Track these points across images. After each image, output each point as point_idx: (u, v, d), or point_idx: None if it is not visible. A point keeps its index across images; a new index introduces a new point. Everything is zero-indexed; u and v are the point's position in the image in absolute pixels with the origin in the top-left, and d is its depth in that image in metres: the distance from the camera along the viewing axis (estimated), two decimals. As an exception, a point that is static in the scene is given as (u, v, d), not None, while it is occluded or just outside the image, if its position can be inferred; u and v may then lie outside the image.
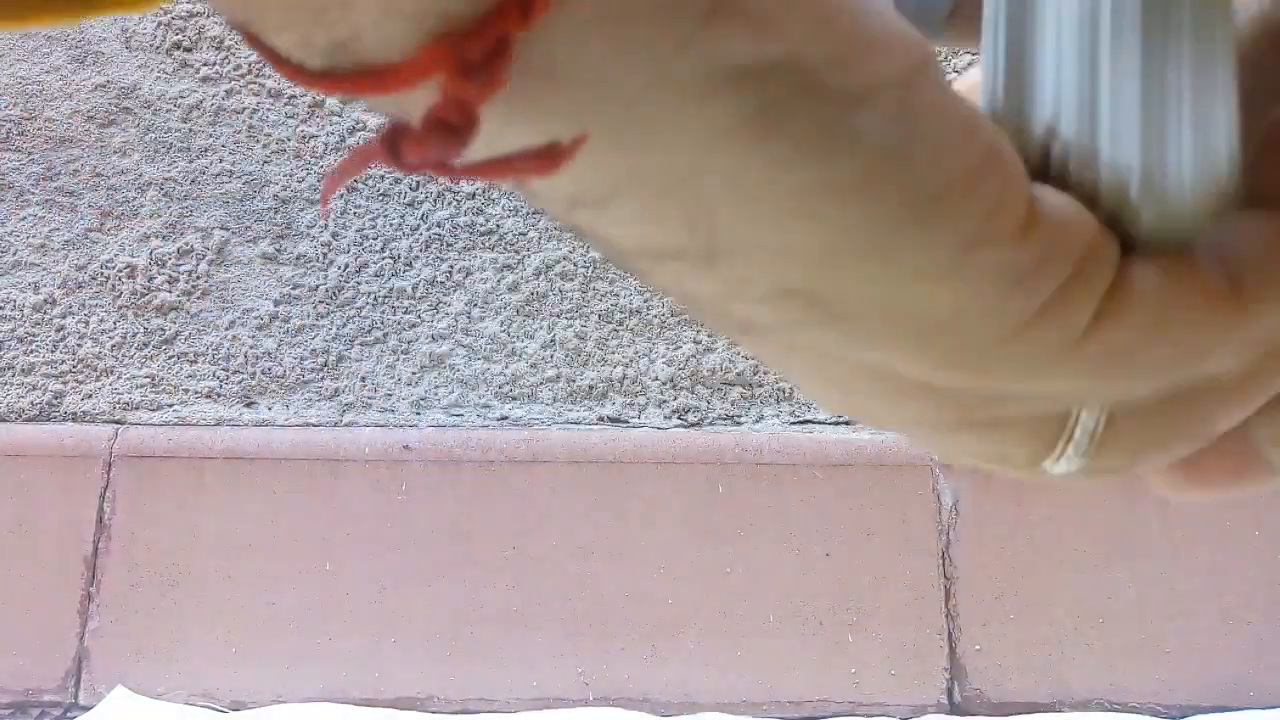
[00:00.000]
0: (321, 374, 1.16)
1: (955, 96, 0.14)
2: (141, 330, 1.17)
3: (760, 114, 0.13)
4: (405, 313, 1.17)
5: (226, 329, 1.17)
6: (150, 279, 1.18)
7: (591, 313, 1.16)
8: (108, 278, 1.18)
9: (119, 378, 1.16)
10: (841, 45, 0.13)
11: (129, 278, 1.18)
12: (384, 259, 1.18)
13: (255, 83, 1.22)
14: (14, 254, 1.19)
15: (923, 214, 0.14)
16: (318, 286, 1.18)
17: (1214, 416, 0.17)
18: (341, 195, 1.20)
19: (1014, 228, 0.14)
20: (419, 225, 1.19)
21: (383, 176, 1.20)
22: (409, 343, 1.16)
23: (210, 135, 1.22)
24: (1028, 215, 0.15)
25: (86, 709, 1.02)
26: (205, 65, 1.23)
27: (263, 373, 1.16)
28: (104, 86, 1.23)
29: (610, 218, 0.15)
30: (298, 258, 1.18)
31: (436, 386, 1.15)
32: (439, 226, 1.18)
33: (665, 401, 1.14)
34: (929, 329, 0.15)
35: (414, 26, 0.12)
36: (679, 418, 1.14)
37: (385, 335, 1.16)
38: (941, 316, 0.15)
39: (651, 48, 0.12)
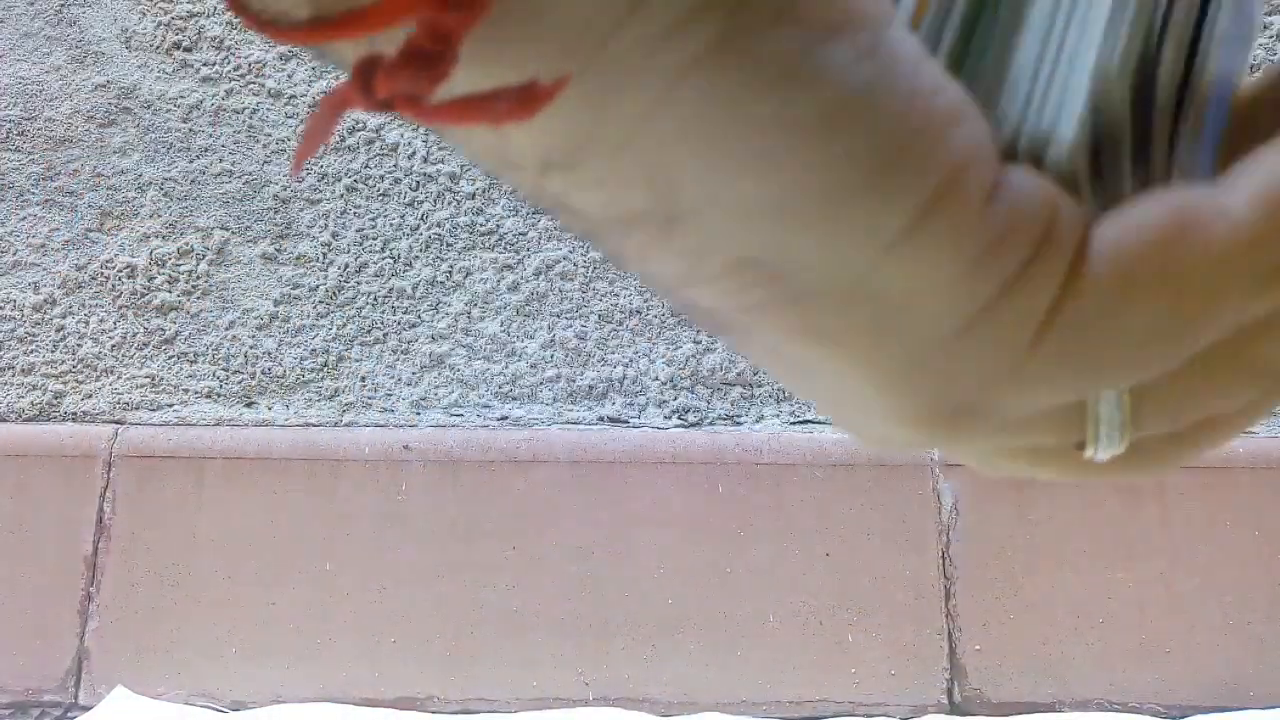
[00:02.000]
0: (321, 374, 1.16)
1: (924, 52, 0.14)
2: (141, 330, 1.17)
3: (728, 39, 0.13)
4: (405, 313, 1.17)
5: (226, 329, 1.17)
6: (150, 279, 1.18)
7: (591, 313, 1.16)
8: (108, 278, 1.18)
9: (119, 378, 1.16)
10: None
11: (129, 278, 1.18)
12: (384, 259, 1.18)
13: (255, 83, 1.22)
14: (14, 254, 1.19)
15: (883, 165, 0.13)
16: (318, 286, 1.18)
17: (1268, 352, 0.15)
18: (341, 195, 1.20)
19: (978, 195, 0.14)
20: (419, 225, 1.19)
21: (382, 176, 1.20)
22: (409, 343, 1.16)
23: (210, 135, 1.22)
24: (993, 185, 0.14)
25: (86, 709, 1.02)
26: (205, 65, 1.23)
27: (263, 373, 1.16)
28: (104, 86, 1.23)
29: (579, 180, 0.14)
30: (298, 258, 1.18)
31: (436, 386, 1.15)
32: (439, 226, 1.18)
33: (665, 401, 1.14)
34: (880, 318, 0.14)
35: None
36: (679, 418, 1.14)
37: (385, 335, 1.16)
38: (891, 301, 0.14)
39: None
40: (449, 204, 1.19)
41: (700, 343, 1.16)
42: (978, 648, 1.04)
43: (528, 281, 1.17)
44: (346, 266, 1.18)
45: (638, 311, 1.16)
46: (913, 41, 0.14)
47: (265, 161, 1.21)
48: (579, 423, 1.13)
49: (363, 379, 1.15)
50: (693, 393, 1.14)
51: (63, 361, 1.16)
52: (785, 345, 0.16)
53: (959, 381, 0.15)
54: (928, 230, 0.13)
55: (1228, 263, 0.14)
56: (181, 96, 1.22)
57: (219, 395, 1.15)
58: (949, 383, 0.15)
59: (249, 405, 1.15)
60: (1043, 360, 0.15)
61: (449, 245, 1.18)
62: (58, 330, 1.17)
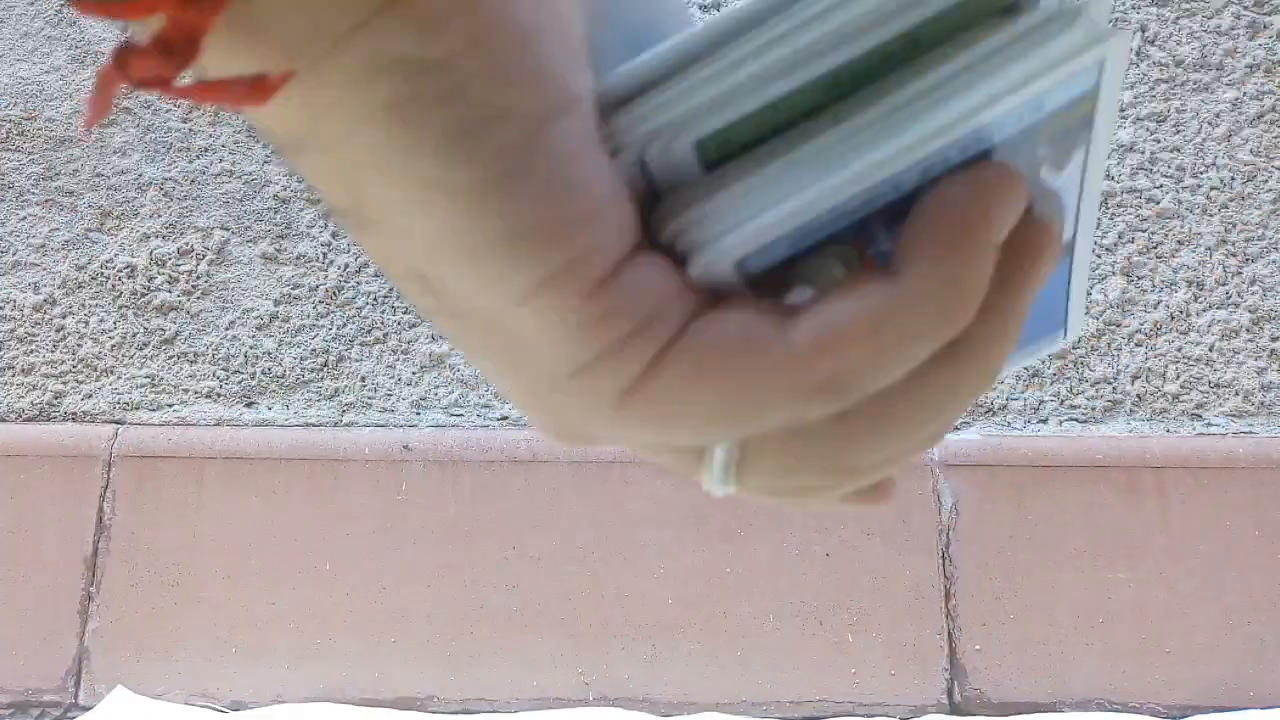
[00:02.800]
0: (321, 374, 1.16)
1: (593, 150, 0.16)
2: (141, 330, 1.17)
3: (407, 103, 0.15)
4: (405, 313, 1.17)
5: (226, 329, 1.17)
6: (150, 279, 1.18)
7: (591, 313, 1.16)
8: (108, 278, 1.18)
9: (119, 378, 1.16)
10: (492, 66, 0.15)
11: (129, 278, 1.18)
12: (384, 259, 1.18)
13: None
14: (14, 254, 1.19)
15: (512, 241, 0.15)
16: (318, 286, 1.18)
17: (843, 453, 0.18)
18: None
19: (588, 282, 0.16)
20: (419, 225, 1.19)
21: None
22: (409, 343, 1.16)
23: (210, 135, 1.22)
24: (609, 274, 0.16)
25: (86, 709, 1.02)
26: (205, 65, 1.23)
27: (263, 373, 1.16)
28: (104, 86, 1.23)
29: (306, 168, 0.16)
30: (298, 258, 1.18)
31: (436, 386, 1.15)
32: (439, 226, 1.19)
33: (665, 401, 1.14)
34: (513, 348, 0.17)
35: None
36: (679, 418, 1.14)
37: (385, 335, 1.16)
38: (521, 338, 0.17)
39: (332, 20, 0.14)
40: (449, 204, 1.19)
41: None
42: (978, 648, 1.04)
43: (528, 281, 1.17)
44: (346, 266, 1.18)
45: (638, 311, 1.16)
46: (580, 135, 0.16)
47: (265, 161, 1.21)
48: (579, 423, 1.14)
49: (363, 379, 1.15)
50: (693, 393, 1.14)
51: (63, 361, 1.16)
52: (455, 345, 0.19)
53: (566, 414, 0.18)
54: (544, 297, 0.16)
55: (775, 377, 0.17)
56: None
57: (219, 395, 1.15)
58: (559, 413, 0.18)
59: (249, 405, 1.15)
60: (630, 414, 0.17)
61: (449, 245, 1.18)
62: (58, 330, 1.17)
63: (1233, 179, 1.20)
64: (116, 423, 1.14)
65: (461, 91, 0.15)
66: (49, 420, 1.15)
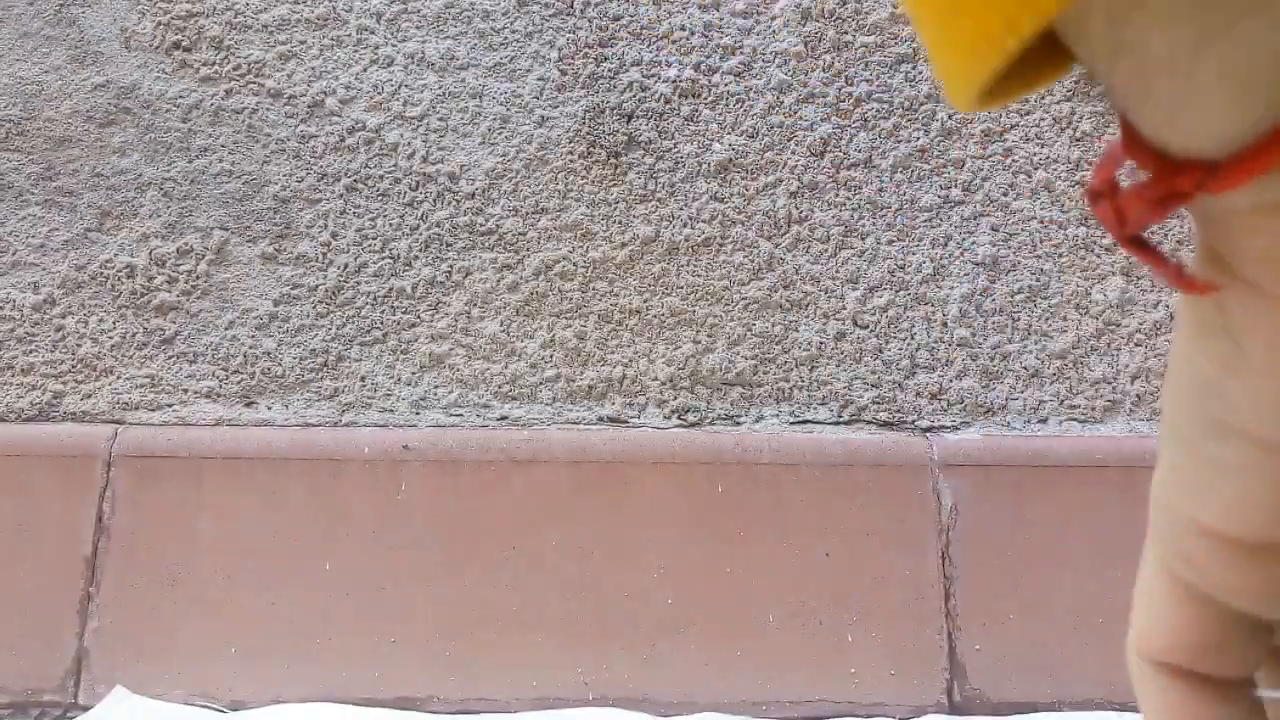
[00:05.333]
0: (321, 374, 1.15)
1: None
2: (141, 330, 1.17)
3: None
4: (405, 313, 1.17)
5: (226, 329, 1.17)
6: (150, 279, 1.18)
7: (591, 313, 1.16)
8: (107, 278, 1.18)
9: (119, 378, 1.16)
10: None
11: (129, 278, 1.18)
12: (384, 259, 1.18)
13: (255, 83, 1.22)
14: (14, 254, 1.19)
15: None
16: (317, 286, 1.18)
17: None
18: (341, 195, 1.20)
19: None
20: (419, 225, 1.19)
21: (382, 176, 1.20)
22: (409, 343, 1.16)
23: (210, 135, 1.21)
24: None
25: (86, 709, 1.02)
26: (205, 65, 1.23)
27: (262, 373, 1.16)
28: (104, 86, 1.23)
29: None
30: (297, 258, 1.18)
31: (436, 386, 1.15)
32: (439, 226, 1.18)
33: (665, 401, 1.14)
34: None
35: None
36: (679, 418, 1.14)
37: (385, 335, 1.16)
38: None
39: None
40: (449, 204, 1.19)
41: (700, 343, 1.16)
42: (978, 648, 1.04)
43: (527, 281, 1.17)
44: (346, 266, 1.18)
45: (637, 311, 1.16)
46: None
47: (265, 161, 1.21)
48: (578, 423, 1.13)
49: (362, 379, 1.15)
50: (692, 393, 1.14)
51: (62, 361, 1.16)
52: None
53: None
54: None
55: None
56: (181, 96, 1.22)
57: (219, 395, 1.15)
58: None
59: (249, 405, 1.15)
60: None
61: (449, 245, 1.18)
62: (57, 330, 1.17)
63: (1233, 179, 1.20)
64: (116, 423, 1.14)
65: None
66: (49, 420, 1.15)
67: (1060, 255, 1.18)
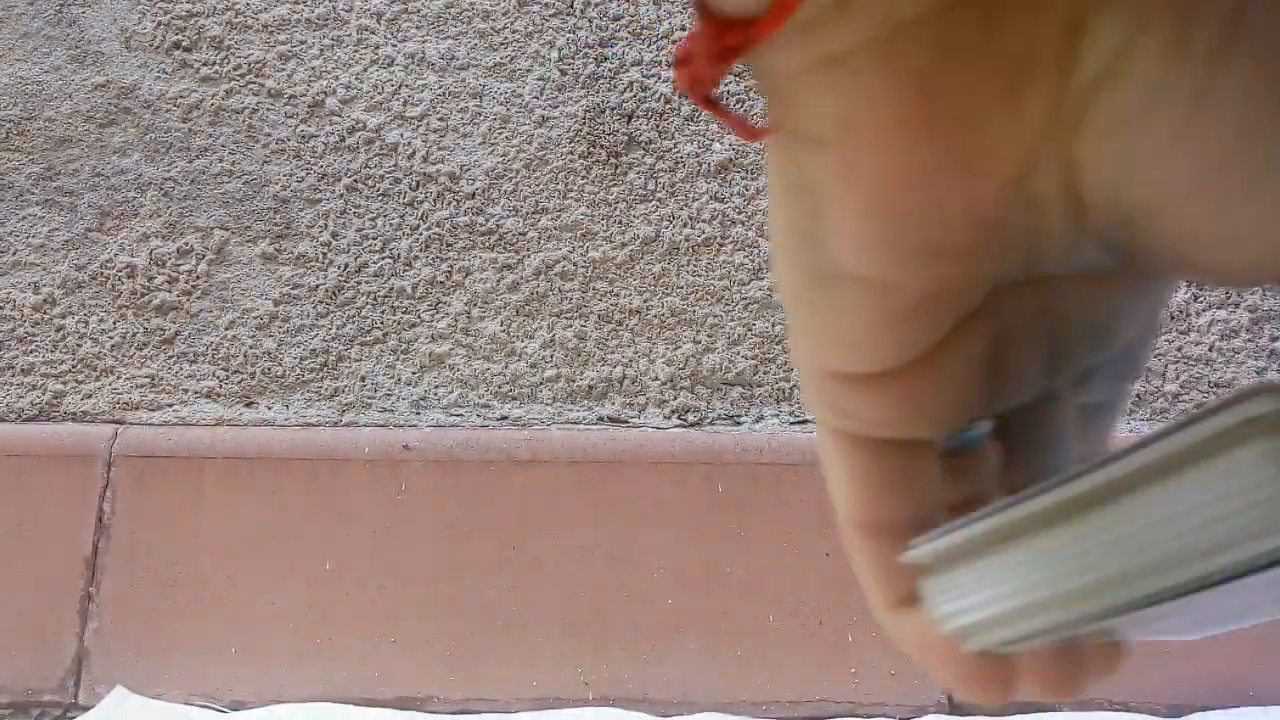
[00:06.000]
0: (321, 374, 1.15)
1: None
2: (141, 330, 1.17)
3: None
4: (405, 313, 1.17)
5: (226, 329, 1.17)
6: (150, 279, 1.18)
7: (591, 313, 1.16)
8: (108, 278, 1.18)
9: (119, 378, 1.16)
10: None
11: (129, 278, 1.18)
12: (384, 259, 1.18)
13: (255, 83, 1.22)
14: (14, 254, 1.19)
15: None
16: (318, 286, 1.18)
17: None
18: (341, 195, 1.20)
19: None
20: (419, 225, 1.19)
21: (382, 176, 1.20)
22: (409, 343, 1.16)
23: (210, 135, 1.22)
24: None
25: (86, 709, 1.02)
26: (205, 65, 1.23)
27: (263, 373, 1.16)
28: (104, 86, 1.23)
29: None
30: (298, 258, 1.18)
31: (436, 386, 1.15)
32: (439, 226, 1.18)
33: (665, 401, 1.14)
34: None
35: None
36: (679, 418, 1.14)
37: (385, 335, 1.16)
38: None
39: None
40: (449, 204, 1.19)
41: (700, 343, 1.16)
42: (978, 648, 1.04)
43: (528, 281, 1.17)
44: (346, 266, 1.18)
45: (637, 311, 1.16)
46: None
47: (265, 161, 1.21)
48: (579, 423, 1.13)
49: (363, 379, 1.15)
50: (692, 393, 1.14)
51: (62, 361, 1.16)
52: None
53: None
54: None
55: None
56: (181, 96, 1.22)
57: (219, 395, 1.15)
58: None
59: (249, 405, 1.15)
60: None
61: (449, 245, 1.18)
62: (57, 330, 1.17)
63: (1233, 179, 1.20)
64: (116, 423, 1.14)
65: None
66: (49, 420, 1.15)
67: (1060, 255, 1.18)
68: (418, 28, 1.22)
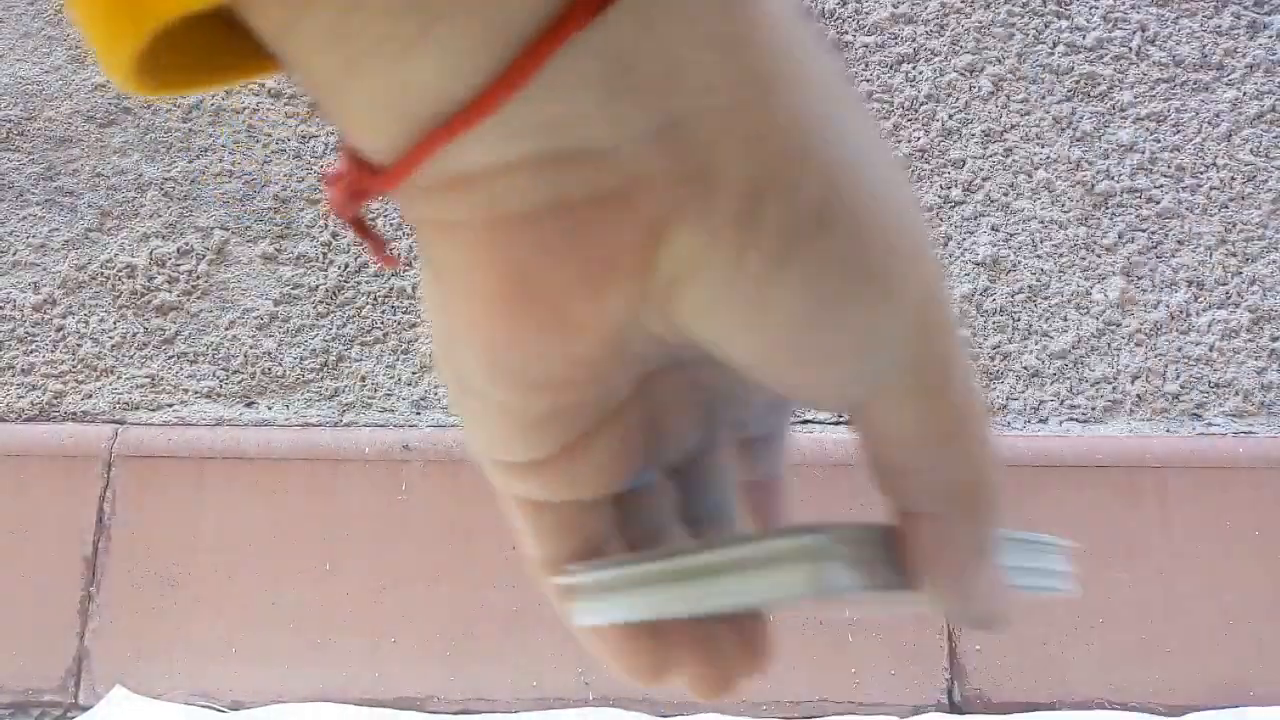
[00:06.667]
0: (321, 374, 1.15)
1: None
2: (141, 330, 1.17)
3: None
4: (405, 313, 1.17)
5: (226, 329, 1.17)
6: (150, 279, 1.18)
7: (591, 313, 1.16)
8: (108, 278, 1.18)
9: (119, 378, 1.16)
10: None
11: (129, 278, 1.18)
12: (384, 259, 1.18)
13: (255, 82, 1.22)
14: (14, 254, 1.19)
15: None
16: (318, 286, 1.18)
17: None
18: (341, 195, 1.20)
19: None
20: (419, 225, 1.19)
21: (383, 176, 1.20)
22: (409, 343, 1.16)
23: (210, 135, 1.22)
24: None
25: (86, 709, 1.02)
26: (205, 65, 1.23)
27: (263, 373, 1.16)
28: (104, 86, 1.23)
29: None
30: (298, 258, 1.18)
31: (436, 386, 1.15)
32: (439, 226, 1.19)
33: (665, 401, 1.14)
34: None
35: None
36: (679, 418, 1.14)
37: (385, 335, 1.16)
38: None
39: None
40: (449, 204, 1.19)
41: (700, 343, 1.16)
42: (978, 648, 1.04)
43: (528, 281, 1.17)
44: (346, 266, 1.18)
45: (638, 311, 1.16)
46: None
47: (265, 161, 1.21)
48: (579, 423, 1.13)
49: (363, 379, 1.15)
50: (693, 393, 1.14)
51: (63, 361, 1.16)
52: None
53: None
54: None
55: None
56: (181, 96, 1.22)
57: (219, 395, 1.15)
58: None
59: (249, 405, 1.15)
60: None
61: (449, 245, 1.18)
62: (58, 330, 1.17)
63: (1233, 179, 1.20)
64: (116, 423, 1.14)
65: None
66: (49, 420, 1.15)
67: (1060, 255, 1.18)
68: (418, 28, 1.22)
